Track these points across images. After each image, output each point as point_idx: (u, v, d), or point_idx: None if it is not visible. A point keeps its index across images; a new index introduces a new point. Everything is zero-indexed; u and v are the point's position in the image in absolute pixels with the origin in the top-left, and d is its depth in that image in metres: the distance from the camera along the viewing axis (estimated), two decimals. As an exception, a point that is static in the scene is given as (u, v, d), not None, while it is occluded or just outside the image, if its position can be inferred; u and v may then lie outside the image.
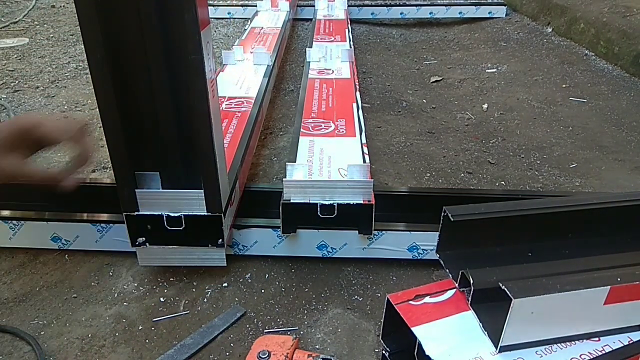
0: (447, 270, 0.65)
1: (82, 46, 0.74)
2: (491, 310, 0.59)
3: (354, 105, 1.36)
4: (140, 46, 0.76)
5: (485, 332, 0.59)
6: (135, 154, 0.85)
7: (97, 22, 0.72)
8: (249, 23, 2.39)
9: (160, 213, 0.90)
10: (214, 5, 2.98)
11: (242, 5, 3.00)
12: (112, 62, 0.76)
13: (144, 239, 0.93)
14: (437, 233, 0.66)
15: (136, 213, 0.89)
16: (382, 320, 0.68)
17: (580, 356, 0.58)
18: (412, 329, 0.60)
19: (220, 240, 0.93)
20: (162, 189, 0.89)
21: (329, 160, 1.06)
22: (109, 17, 0.73)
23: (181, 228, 0.91)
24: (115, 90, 0.78)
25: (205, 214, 0.90)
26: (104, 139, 0.81)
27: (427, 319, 0.61)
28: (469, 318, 0.61)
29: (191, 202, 0.89)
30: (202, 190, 0.87)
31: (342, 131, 1.21)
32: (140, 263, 0.97)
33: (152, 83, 0.79)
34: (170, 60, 0.77)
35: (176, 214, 0.90)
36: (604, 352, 0.59)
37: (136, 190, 0.87)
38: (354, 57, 1.79)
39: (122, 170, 0.85)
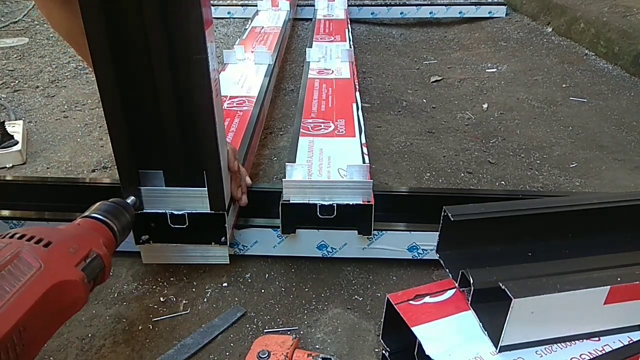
0: (447, 270, 0.65)
1: (83, 46, 0.74)
2: (491, 310, 0.59)
3: (354, 105, 1.36)
4: (144, 45, 0.76)
5: (485, 332, 0.59)
6: (139, 152, 0.85)
7: (102, 22, 0.73)
8: (249, 22, 2.39)
9: (164, 211, 0.91)
10: (214, 5, 2.98)
11: (242, 5, 3.00)
12: (116, 62, 0.76)
13: (147, 236, 0.93)
14: (437, 233, 0.66)
15: (140, 211, 0.90)
16: (382, 320, 0.68)
17: (580, 356, 0.58)
18: (412, 328, 0.60)
19: (223, 238, 0.93)
20: (166, 187, 0.89)
21: (328, 161, 1.06)
22: (113, 16, 0.74)
23: (185, 226, 0.92)
24: (119, 89, 0.78)
25: (209, 211, 0.90)
26: (108, 137, 0.82)
27: (427, 319, 0.61)
28: (469, 318, 0.61)
29: (195, 200, 0.90)
30: (206, 188, 0.88)
31: (342, 131, 1.21)
32: (144, 261, 0.97)
33: (155, 82, 0.79)
34: (174, 60, 0.78)
35: (180, 212, 0.91)
36: (604, 352, 0.59)
37: (140, 188, 0.88)
38: (353, 57, 1.79)
39: (126, 169, 0.86)
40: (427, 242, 0.99)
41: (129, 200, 0.84)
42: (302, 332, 0.87)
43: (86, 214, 0.76)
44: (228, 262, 0.98)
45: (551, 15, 2.74)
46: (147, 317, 0.90)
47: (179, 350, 0.82)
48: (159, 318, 0.90)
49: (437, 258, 0.67)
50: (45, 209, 1.04)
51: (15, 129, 1.49)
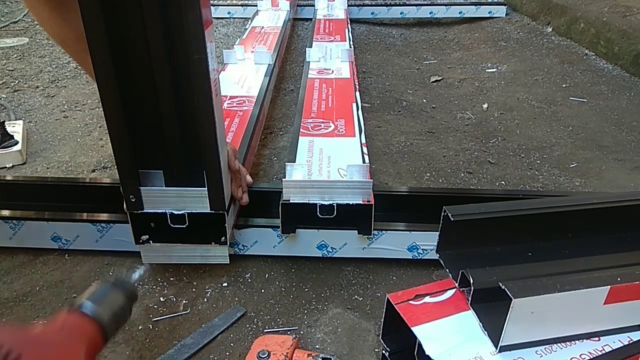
0: (447, 270, 0.65)
1: (83, 46, 0.74)
2: (491, 310, 0.59)
3: (354, 105, 1.36)
4: (143, 45, 0.76)
5: (485, 332, 0.59)
6: (139, 152, 0.85)
7: (101, 22, 0.72)
8: (249, 22, 2.39)
9: (164, 211, 0.90)
10: (214, 5, 2.98)
11: (242, 5, 3.00)
12: (115, 62, 0.76)
13: (147, 236, 0.93)
14: (437, 233, 0.66)
15: (140, 211, 0.90)
16: (382, 320, 0.68)
17: (580, 356, 0.58)
18: (412, 329, 0.60)
19: (223, 238, 0.93)
20: (166, 186, 0.89)
21: (328, 161, 1.06)
22: (112, 16, 0.74)
23: (185, 226, 0.92)
24: (119, 89, 0.78)
25: (209, 211, 0.90)
26: (108, 137, 0.82)
27: (427, 319, 0.61)
28: (469, 318, 0.61)
29: (195, 200, 0.90)
30: (206, 188, 0.88)
31: (342, 131, 1.21)
32: (144, 261, 0.97)
33: (155, 82, 0.79)
34: (173, 60, 0.78)
35: (180, 212, 0.91)
36: (604, 352, 0.59)
37: (140, 188, 0.88)
38: (353, 57, 1.79)
39: (126, 169, 0.86)
40: (427, 242, 0.99)
41: (135, 275, 0.74)
42: (302, 332, 0.87)
43: (77, 303, 0.60)
44: (228, 262, 0.98)
45: (551, 15, 2.74)
46: (147, 317, 0.90)
47: (179, 350, 0.82)
48: (159, 318, 0.90)
49: (437, 258, 0.67)
50: (45, 209, 1.04)
51: (15, 129, 1.49)
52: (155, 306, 0.92)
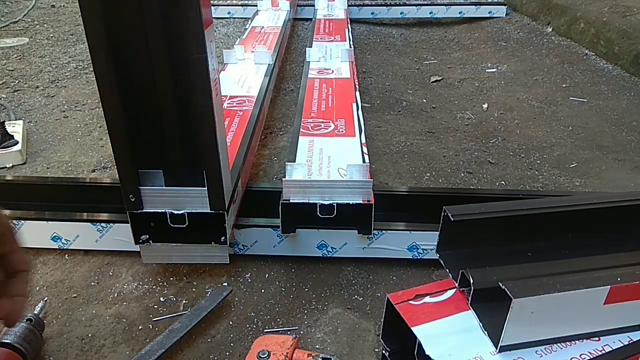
0: (447, 270, 0.65)
1: (82, 46, 0.75)
2: (491, 310, 0.59)
3: (354, 105, 1.36)
4: (143, 45, 0.76)
5: (485, 332, 0.59)
6: (139, 152, 0.85)
7: (101, 22, 0.73)
8: (249, 22, 2.39)
9: (163, 210, 0.90)
10: (214, 5, 2.98)
11: (242, 5, 3.00)
12: (116, 61, 0.76)
13: (147, 236, 0.93)
14: (437, 233, 0.66)
15: (140, 210, 0.90)
16: (382, 320, 0.68)
17: (580, 356, 0.58)
18: (412, 328, 0.60)
19: (223, 238, 0.93)
20: (166, 186, 0.89)
21: (328, 160, 1.06)
22: (112, 16, 0.74)
23: (184, 225, 0.92)
24: (119, 89, 0.78)
25: (209, 211, 0.90)
26: (108, 137, 0.82)
27: (427, 319, 0.61)
28: (469, 318, 0.61)
29: (194, 200, 0.90)
30: (206, 188, 0.88)
31: (342, 131, 1.21)
32: (144, 260, 0.97)
33: (155, 82, 0.79)
34: (173, 59, 0.78)
35: (180, 212, 0.91)
36: (604, 352, 0.59)
37: (140, 187, 0.88)
38: (353, 57, 1.79)
39: (126, 169, 0.86)
40: (427, 241, 0.99)
41: (37, 309, 0.86)
42: (302, 332, 0.87)
43: (2, 339, 0.77)
44: (228, 262, 0.98)
45: (551, 15, 2.74)
46: (147, 317, 0.90)
47: (168, 335, 0.82)
48: (159, 318, 0.90)
49: (437, 258, 0.67)
50: (45, 209, 1.04)
51: (15, 129, 1.49)
52: (155, 306, 0.92)
